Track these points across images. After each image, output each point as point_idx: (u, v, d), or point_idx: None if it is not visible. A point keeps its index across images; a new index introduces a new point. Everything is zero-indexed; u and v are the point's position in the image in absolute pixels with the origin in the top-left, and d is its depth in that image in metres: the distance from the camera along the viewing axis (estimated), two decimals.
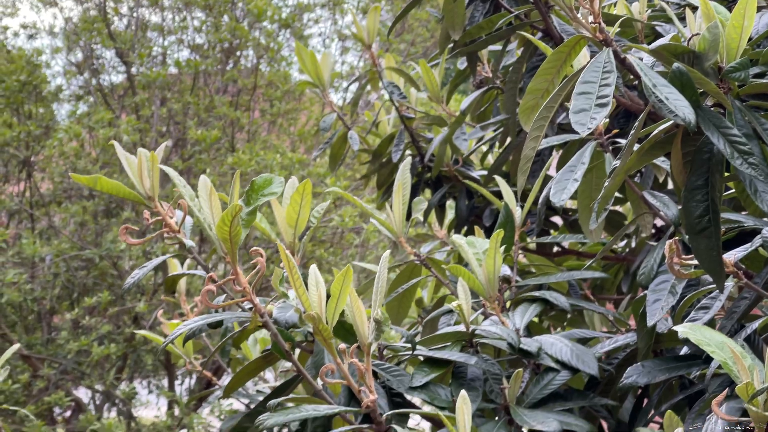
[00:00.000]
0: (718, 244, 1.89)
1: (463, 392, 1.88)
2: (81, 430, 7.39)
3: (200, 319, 2.08)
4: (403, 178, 2.82)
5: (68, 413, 8.30)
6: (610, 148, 2.50)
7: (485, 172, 4.02)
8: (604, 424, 2.82)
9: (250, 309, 2.44)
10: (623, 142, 2.51)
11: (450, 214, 4.33)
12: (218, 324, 2.22)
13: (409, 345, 2.38)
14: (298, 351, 2.31)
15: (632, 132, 1.95)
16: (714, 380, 2.33)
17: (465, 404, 1.87)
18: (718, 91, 1.83)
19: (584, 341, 2.60)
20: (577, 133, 2.64)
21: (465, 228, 3.98)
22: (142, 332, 3.44)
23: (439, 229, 4.16)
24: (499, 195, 3.23)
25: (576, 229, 4.07)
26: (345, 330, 2.27)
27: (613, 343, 2.56)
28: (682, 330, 1.80)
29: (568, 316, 3.07)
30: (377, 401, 1.90)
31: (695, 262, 2.02)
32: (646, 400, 2.72)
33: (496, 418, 2.35)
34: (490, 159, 4.31)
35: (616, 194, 3.83)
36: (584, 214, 2.53)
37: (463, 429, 1.86)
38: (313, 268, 1.90)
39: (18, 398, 7.34)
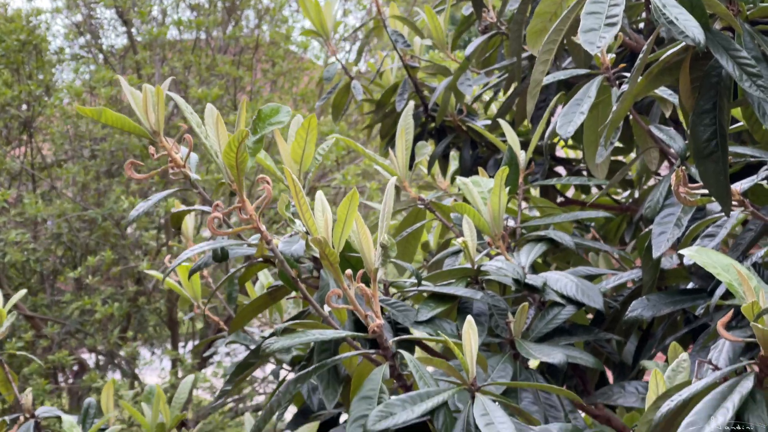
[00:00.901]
0: (725, 168, 1.89)
1: (469, 318, 1.88)
2: (84, 389, 7.42)
3: (206, 245, 2.08)
4: (405, 123, 2.81)
5: (71, 381, 8.33)
6: (617, 82, 2.48)
7: (489, 122, 4.01)
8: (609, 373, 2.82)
9: (256, 245, 2.44)
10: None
11: (453, 165, 4.32)
12: (224, 256, 2.22)
13: (414, 281, 2.38)
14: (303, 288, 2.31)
15: (640, 56, 1.94)
16: (718, 314, 2.34)
17: (471, 329, 1.87)
18: (728, 13, 1.81)
19: (590, 279, 2.60)
20: (582, 67, 2.63)
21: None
22: (151, 272, 3.44)
23: (443, 180, 4.15)
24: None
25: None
26: (350, 265, 2.27)
27: (618, 279, 2.56)
28: (689, 252, 1.80)
29: (572, 260, 3.06)
30: (383, 329, 1.90)
31: (702, 191, 2.02)
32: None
33: (502, 353, 2.35)
34: (494, 109, 4.29)
35: (620, 144, 3.83)
36: (590, 151, 2.52)
37: (470, 354, 1.86)
38: (320, 194, 1.90)
39: (21, 357, 7.36)
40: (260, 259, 2.43)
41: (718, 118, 1.89)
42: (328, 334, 1.88)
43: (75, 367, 8.61)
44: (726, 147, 1.89)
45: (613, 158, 3.98)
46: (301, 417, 3.61)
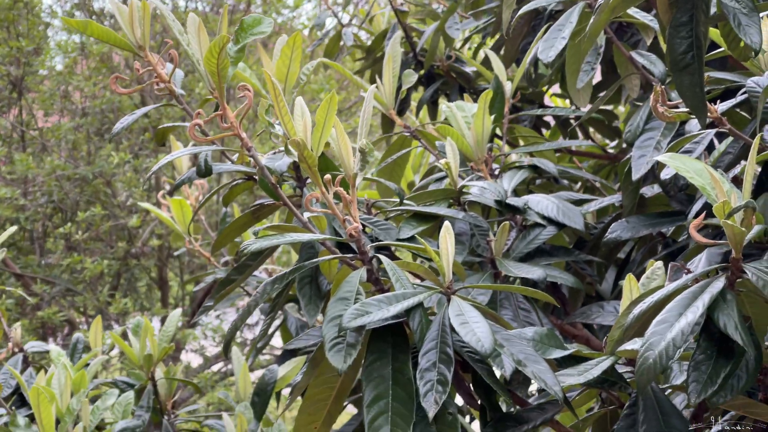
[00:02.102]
0: (701, 80, 1.91)
1: (446, 223, 1.90)
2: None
3: (189, 149, 2.10)
4: (393, 51, 2.83)
5: (61, 343, 8.36)
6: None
7: (476, 69, 4.02)
8: None
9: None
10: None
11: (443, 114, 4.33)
12: (207, 170, 2.24)
13: (397, 200, 2.41)
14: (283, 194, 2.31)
15: None
16: None
17: (448, 234, 1.89)
18: None
19: (572, 204, 2.62)
20: None
21: None
22: (146, 205, 3.46)
23: (419, 126, 4.16)
24: None
25: (568, 129, 4.08)
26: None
27: (599, 203, 2.58)
28: (662, 159, 1.83)
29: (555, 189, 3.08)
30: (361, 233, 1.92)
31: (682, 109, 2.05)
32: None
33: (482, 271, 2.38)
34: (482, 55, 4.30)
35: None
36: (572, 79, 2.54)
37: (446, 258, 1.89)
38: (299, 99, 1.92)
39: (10, 316, 7.38)
40: (245, 178, 2.45)
41: (694, 30, 1.91)
42: (306, 236, 1.91)
43: (65, 331, 8.63)
44: (702, 59, 1.92)
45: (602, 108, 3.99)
46: (289, 354, 3.65)
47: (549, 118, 4.28)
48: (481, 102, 2.50)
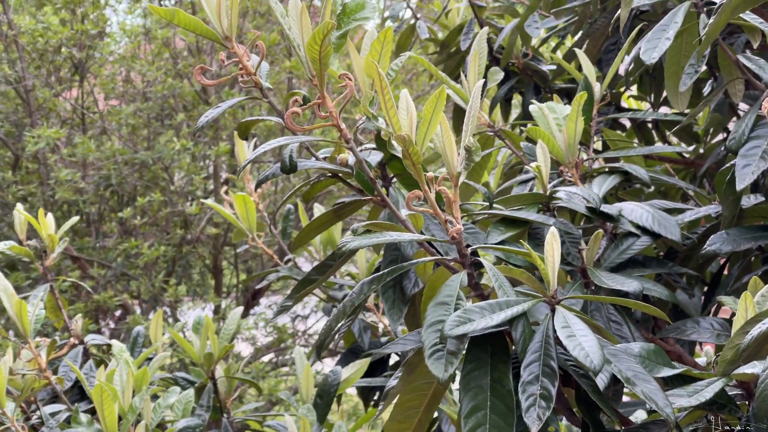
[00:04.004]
0: None
1: (552, 229, 1.82)
2: (128, 330, 7.46)
3: (276, 142, 2.03)
4: (479, 46, 2.74)
5: (112, 326, 8.37)
6: (705, 9, 2.39)
7: (555, 68, 3.92)
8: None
9: (325, 158, 2.39)
10: (719, 1, 2.41)
11: (516, 111, 4.25)
12: (293, 167, 2.17)
13: (486, 203, 2.33)
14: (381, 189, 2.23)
15: None
16: None
17: (555, 241, 1.81)
18: None
19: (666, 213, 2.51)
20: None
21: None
22: (208, 202, 3.41)
23: (504, 125, 4.07)
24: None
25: (644, 132, 3.97)
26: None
27: (695, 213, 2.48)
28: None
29: (644, 197, 2.98)
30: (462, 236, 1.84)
31: None
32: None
33: (573, 281, 2.29)
34: (559, 55, 4.20)
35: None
36: (672, 81, 2.43)
37: (552, 266, 1.80)
38: (404, 92, 1.84)
39: (67, 297, 7.40)
40: (328, 175, 2.38)
41: None
42: (406, 236, 1.83)
43: (117, 312, 8.65)
44: None
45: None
46: (351, 355, 3.58)
47: (624, 120, 4.17)
48: (575, 104, 2.40)
